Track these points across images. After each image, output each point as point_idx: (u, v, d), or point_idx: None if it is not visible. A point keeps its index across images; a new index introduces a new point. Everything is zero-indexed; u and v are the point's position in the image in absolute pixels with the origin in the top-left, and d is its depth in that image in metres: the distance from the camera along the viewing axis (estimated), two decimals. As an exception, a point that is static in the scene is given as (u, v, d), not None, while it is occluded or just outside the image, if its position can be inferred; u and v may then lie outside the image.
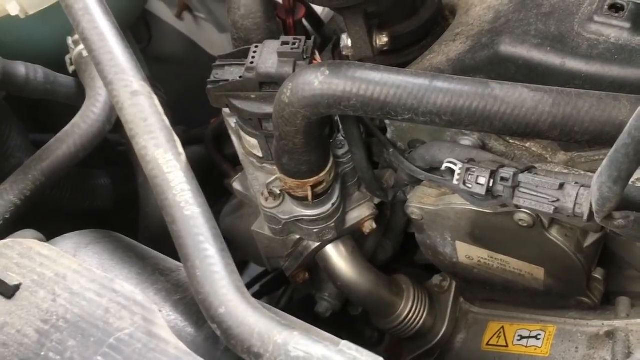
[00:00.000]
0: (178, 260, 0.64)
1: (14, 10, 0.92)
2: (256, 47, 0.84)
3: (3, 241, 0.69)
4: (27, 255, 0.66)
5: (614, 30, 0.73)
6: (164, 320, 0.61)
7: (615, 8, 0.75)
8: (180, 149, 0.64)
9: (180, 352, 0.57)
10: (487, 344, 0.98)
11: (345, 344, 0.54)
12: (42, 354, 0.58)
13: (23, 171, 0.88)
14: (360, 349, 0.53)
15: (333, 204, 0.91)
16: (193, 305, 0.62)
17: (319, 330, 0.63)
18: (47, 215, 1.00)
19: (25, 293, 0.63)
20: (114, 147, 1.27)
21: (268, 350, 0.53)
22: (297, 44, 0.81)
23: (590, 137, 0.64)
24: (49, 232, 0.76)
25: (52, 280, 0.63)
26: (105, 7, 0.68)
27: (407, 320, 1.03)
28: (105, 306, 0.61)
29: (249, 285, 1.37)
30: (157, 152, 0.62)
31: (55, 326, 0.60)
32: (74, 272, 0.64)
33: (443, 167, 0.77)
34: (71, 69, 1.10)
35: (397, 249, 1.11)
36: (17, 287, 0.63)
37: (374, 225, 0.98)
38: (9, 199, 0.85)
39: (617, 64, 0.71)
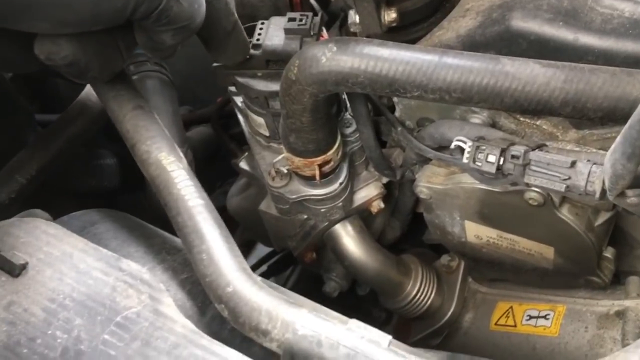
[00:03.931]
0: (184, 239, 0.64)
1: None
2: (262, 23, 0.83)
3: (9, 220, 0.69)
4: (34, 234, 0.66)
5: (629, 5, 0.72)
6: (171, 298, 0.60)
7: (630, -19, 0.73)
8: (181, 154, 0.66)
9: (187, 330, 0.57)
10: (496, 324, 0.98)
11: (353, 322, 0.54)
12: (49, 332, 0.58)
13: (29, 151, 0.88)
14: (369, 327, 0.53)
15: (340, 184, 0.90)
16: (200, 285, 0.62)
17: (326, 309, 0.63)
18: (53, 195, 1.00)
19: (32, 272, 0.63)
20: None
21: (276, 327, 0.53)
22: (304, 21, 0.80)
23: (603, 114, 0.63)
24: (55, 212, 0.76)
25: (59, 259, 0.63)
26: None
27: (415, 300, 1.02)
28: (112, 285, 0.61)
29: (256, 266, 1.37)
30: (160, 155, 0.64)
31: (62, 305, 0.60)
32: (80, 251, 0.64)
33: (452, 146, 0.76)
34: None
35: (405, 229, 1.10)
36: (23, 266, 0.63)
37: (382, 205, 0.97)
38: (15, 178, 0.85)
39: (631, 39, 0.69)
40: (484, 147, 0.73)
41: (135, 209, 0.92)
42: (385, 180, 0.97)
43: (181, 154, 0.66)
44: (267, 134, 0.91)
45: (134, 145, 0.66)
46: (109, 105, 0.70)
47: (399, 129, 0.87)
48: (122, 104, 0.69)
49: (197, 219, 0.61)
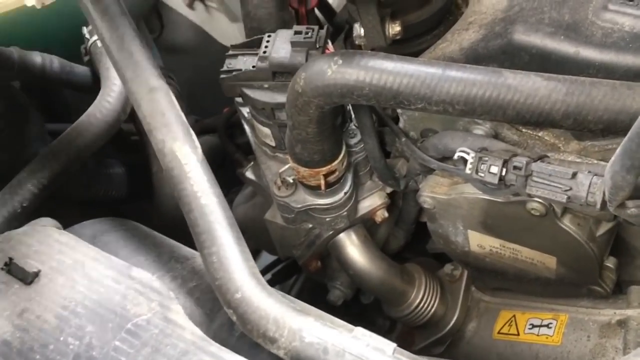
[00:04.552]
0: (193, 248, 0.66)
1: (30, 1, 0.93)
2: (269, 36, 0.84)
3: (22, 228, 0.70)
4: (46, 243, 0.67)
5: (629, 19, 0.73)
6: (180, 306, 0.62)
7: (630, -4, 0.74)
8: (197, 142, 0.65)
9: (196, 337, 0.58)
10: (499, 333, 0.98)
11: (358, 330, 0.55)
12: (62, 338, 0.60)
13: (40, 160, 0.90)
14: (374, 335, 0.54)
15: (345, 193, 0.91)
16: (208, 293, 0.63)
17: (332, 317, 0.64)
18: (62, 204, 1.02)
19: (45, 280, 0.64)
20: (127, 136, 1.29)
21: (283, 335, 0.54)
22: (310, 34, 0.82)
23: (604, 126, 0.64)
24: (64, 221, 0.77)
25: (71, 267, 0.65)
26: (122, 7, 0.70)
27: (418, 308, 1.03)
28: (122, 292, 0.62)
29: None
30: (174, 144, 0.64)
31: (74, 312, 0.61)
32: (92, 259, 0.65)
33: (455, 156, 0.77)
34: (86, 58, 1.11)
35: (409, 238, 1.11)
36: (36, 274, 0.64)
37: (386, 214, 0.99)
38: (27, 187, 0.86)
39: (631, 53, 0.71)
40: (486, 158, 0.74)
41: (142, 218, 0.93)
42: (389, 190, 0.98)
43: (196, 143, 0.66)
44: (273, 144, 0.92)
45: (150, 131, 0.66)
46: (127, 87, 0.69)
47: (403, 139, 0.88)
48: (140, 85, 0.68)
49: (209, 219, 0.61)
